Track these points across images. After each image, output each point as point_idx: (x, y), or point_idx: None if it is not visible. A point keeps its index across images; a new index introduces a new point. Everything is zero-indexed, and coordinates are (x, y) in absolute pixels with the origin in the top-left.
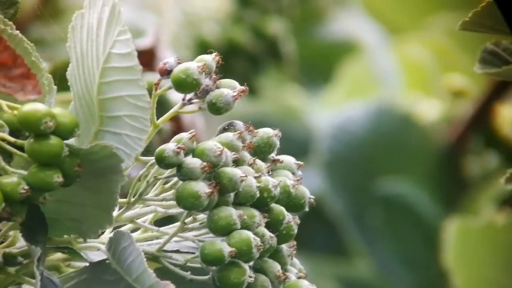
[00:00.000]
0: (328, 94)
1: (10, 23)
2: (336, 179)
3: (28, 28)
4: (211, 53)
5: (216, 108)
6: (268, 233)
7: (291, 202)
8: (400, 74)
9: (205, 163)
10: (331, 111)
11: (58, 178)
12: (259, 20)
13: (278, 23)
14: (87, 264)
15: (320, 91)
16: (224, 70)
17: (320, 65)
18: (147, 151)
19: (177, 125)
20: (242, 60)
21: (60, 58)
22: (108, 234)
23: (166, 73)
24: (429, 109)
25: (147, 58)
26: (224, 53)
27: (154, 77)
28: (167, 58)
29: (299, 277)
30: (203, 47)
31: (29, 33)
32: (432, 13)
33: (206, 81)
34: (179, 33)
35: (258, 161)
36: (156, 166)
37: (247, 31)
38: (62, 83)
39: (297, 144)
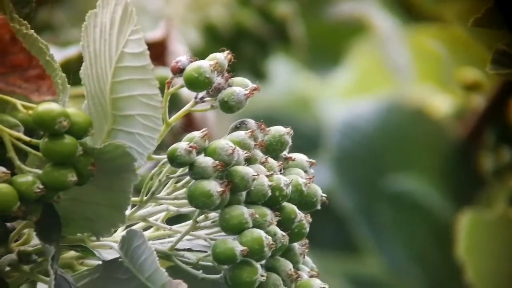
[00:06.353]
0: (338, 82)
1: (25, 22)
2: (345, 175)
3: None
4: (223, 51)
5: (228, 107)
6: (280, 232)
7: (303, 200)
8: (412, 63)
9: (217, 162)
10: (342, 104)
11: (72, 177)
12: (267, 2)
13: (286, 5)
14: (100, 262)
15: (329, 73)
16: (232, 55)
17: (329, 47)
18: (159, 149)
19: (188, 122)
20: (251, 44)
21: (65, 41)
22: (120, 232)
23: (178, 71)
24: (442, 103)
25: (158, 51)
26: (232, 37)
27: (165, 71)
28: (178, 52)
29: (311, 276)
30: (210, 31)
31: (34, 17)
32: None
33: (218, 80)
34: (186, 16)
35: (270, 160)
36: (168, 165)
37: (255, 14)
38: (74, 77)
39: (307, 139)
